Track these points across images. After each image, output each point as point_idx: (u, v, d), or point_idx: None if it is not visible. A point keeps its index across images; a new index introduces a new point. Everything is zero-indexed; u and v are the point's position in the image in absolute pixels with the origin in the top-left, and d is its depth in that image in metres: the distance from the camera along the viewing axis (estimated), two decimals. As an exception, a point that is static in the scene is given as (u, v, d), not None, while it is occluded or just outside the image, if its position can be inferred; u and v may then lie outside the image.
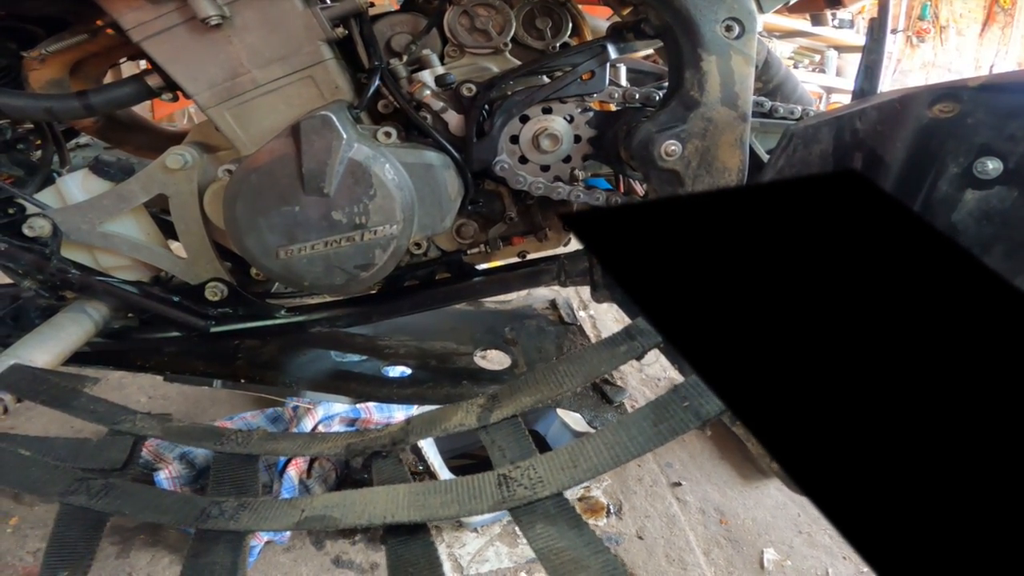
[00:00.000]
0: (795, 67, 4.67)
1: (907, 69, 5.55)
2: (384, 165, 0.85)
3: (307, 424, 1.26)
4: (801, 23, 4.41)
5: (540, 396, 0.79)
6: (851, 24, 4.67)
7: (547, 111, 0.96)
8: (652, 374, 1.79)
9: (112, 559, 1.09)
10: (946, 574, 0.14)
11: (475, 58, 0.98)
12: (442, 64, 0.97)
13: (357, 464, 1.20)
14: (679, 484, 1.37)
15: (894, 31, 5.28)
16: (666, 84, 0.94)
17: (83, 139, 1.29)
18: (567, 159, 0.98)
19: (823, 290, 0.19)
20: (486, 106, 0.93)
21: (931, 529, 0.14)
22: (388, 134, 0.89)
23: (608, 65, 0.93)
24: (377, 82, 0.89)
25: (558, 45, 1.01)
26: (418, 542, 0.70)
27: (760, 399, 0.17)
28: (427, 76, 0.93)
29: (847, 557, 1.21)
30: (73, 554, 0.70)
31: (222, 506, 0.76)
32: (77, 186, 0.94)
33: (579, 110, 0.97)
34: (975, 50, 5.69)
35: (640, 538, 1.22)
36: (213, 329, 1.03)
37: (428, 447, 1.21)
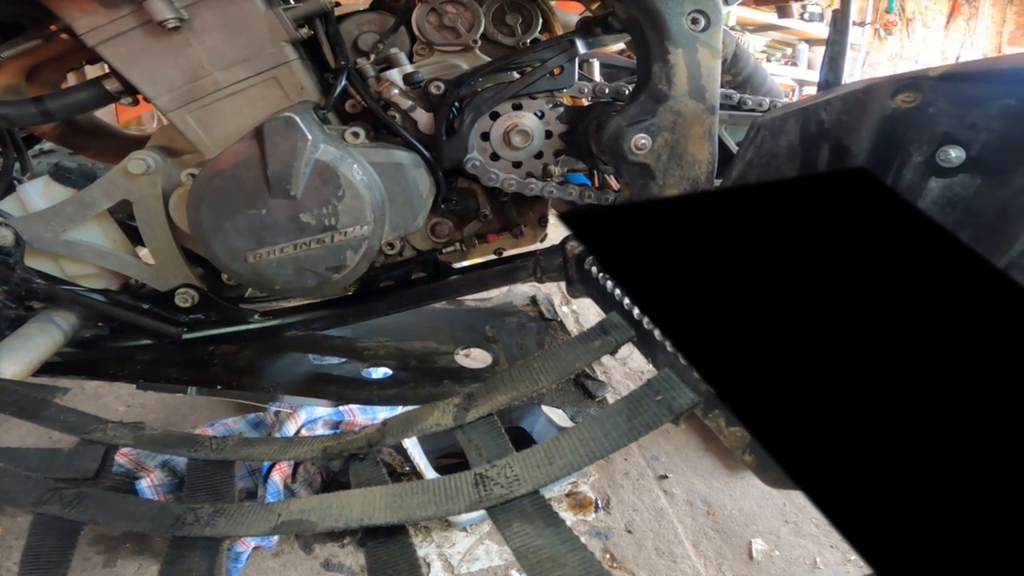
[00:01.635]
0: (767, 60, 4.73)
1: (875, 61, 5.62)
2: (352, 165, 0.84)
3: (290, 428, 1.24)
4: (771, 16, 4.45)
5: (516, 394, 0.79)
6: (820, 18, 4.73)
7: (517, 107, 0.95)
8: (635, 367, 1.79)
9: (99, 568, 1.08)
10: (934, 560, 0.14)
11: (444, 56, 0.97)
12: (411, 62, 0.96)
13: (336, 468, 1.19)
14: (666, 477, 1.37)
15: (862, 24, 5.34)
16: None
17: (47, 145, 1.26)
18: (539, 155, 0.98)
19: (809, 280, 0.19)
20: (456, 104, 0.92)
21: (918, 515, 0.14)
22: (356, 134, 0.87)
23: (577, 60, 0.93)
24: (344, 82, 0.88)
25: (528, 41, 1.00)
26: (396, 543, 0.70)
27: (748, 385, 0.17)
28: (395, 75, 0.92)
29: (834, 545, 1.22)
30: (49, 563, 0.70)
31: (197, 513, 0.75)
32: (38, 193, 0.92)
33: (549, 106, 0.96)
34: (941, 42, 5.78)
35: (629, 532, 1.22)
36: (185, 336, 1.01)
37: (413, 447, 1.21)
